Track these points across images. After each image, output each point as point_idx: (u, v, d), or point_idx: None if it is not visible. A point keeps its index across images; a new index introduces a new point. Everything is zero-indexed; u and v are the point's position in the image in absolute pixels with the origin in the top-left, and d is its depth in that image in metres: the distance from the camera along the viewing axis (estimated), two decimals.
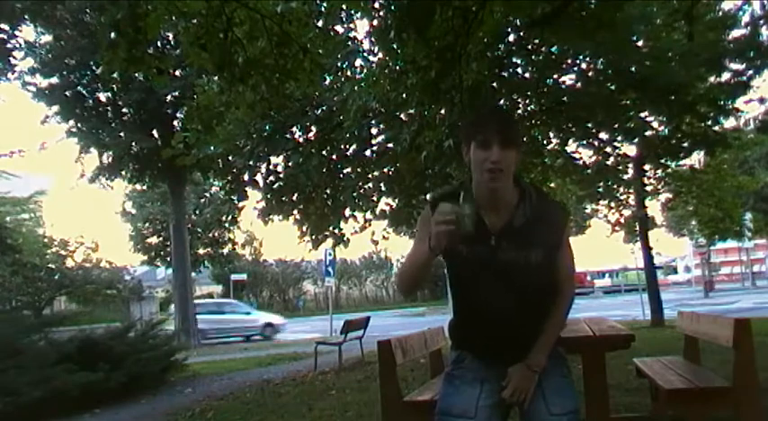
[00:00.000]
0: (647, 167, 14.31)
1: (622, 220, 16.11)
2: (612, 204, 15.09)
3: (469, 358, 2.04)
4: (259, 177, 10.36)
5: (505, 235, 1.93)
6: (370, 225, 10.84)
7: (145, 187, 21.73)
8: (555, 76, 9.22)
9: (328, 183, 10.23)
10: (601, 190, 13.14)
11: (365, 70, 9.09)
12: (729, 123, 12.26)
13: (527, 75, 9.04)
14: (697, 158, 14.34)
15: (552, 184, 13.91)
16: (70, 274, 21.65)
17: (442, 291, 30.76)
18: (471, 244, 1.90)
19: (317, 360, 10.27)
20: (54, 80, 15.83)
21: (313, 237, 10.89)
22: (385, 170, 10.02)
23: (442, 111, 7.45)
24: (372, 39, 8.06)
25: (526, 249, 1.92)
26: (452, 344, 2.14)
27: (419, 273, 1.99)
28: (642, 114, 9.86)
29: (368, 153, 9.94)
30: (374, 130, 9.58)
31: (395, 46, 6.79)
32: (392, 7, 6.11)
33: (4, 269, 17.26)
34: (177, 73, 14.42)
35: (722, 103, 9.59)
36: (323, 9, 7.82)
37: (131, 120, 16.87)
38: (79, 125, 16.26)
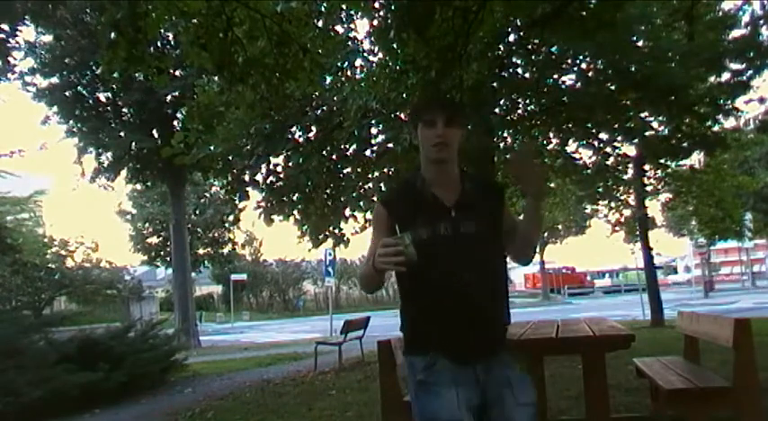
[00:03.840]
0: (647, 167, 14.29)
1: (622, 220, 16.13)
2: (612, 204, 15.11)
3: (440, 361, 2.02)
4: (259, 177, 10.36)
5: (461, 207, 2.07)
6: (370, 225, 10.83)
7: (144, 187, 21.75)
8: (555, 76, 9.21)
9: (328, 183, 10.22)
10: (601, 190, 13.14)
11: (365, 70, 9.09)
12: (729, 123, 12.26)
13: (527, 75, 9.03)
14: (697, 158, 14.32)
15: (552, 184, 13.92)
16: (70, 274, 21.60)
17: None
18: (432, 225, 2.02)
19: (317, 360, 10.26)
20: (54, 80, 15.84)
21: (313, 237, 10.89)
22: (385, 170, 10.02)
23: None
24: (372, 39, 8.06)
25: (480, 220, 2.06)
26: (413, 350, 2.10)
27: (374, 282, 2.07)
28: (642, 114, 9.86)
29: (368, 153, 9.93)
30: (374, 130, 9.57)
31: (395, 46, 6.79)
32: (392, 7, 6.11)
33: (4, 269, 17.23)
34: (177, 73, 14.43)
35: (722, 102, 9.59)
36: (323, 9, 7.82)
37: (131, 120, 16.87)
38: (79, 125, 16.27)
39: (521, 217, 2.18)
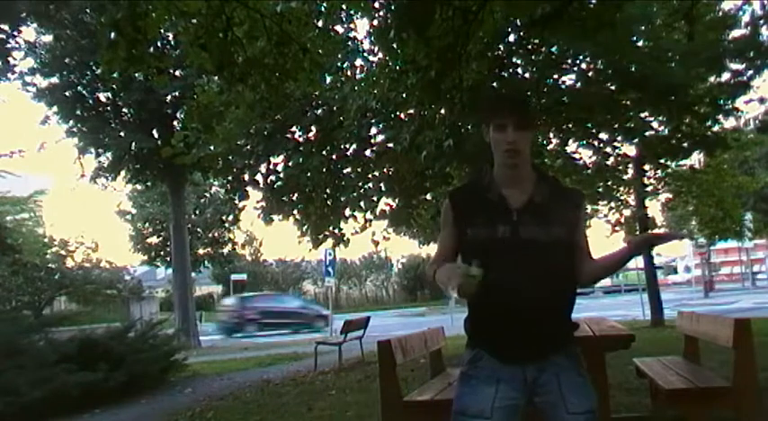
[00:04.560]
0: (647, 167, 14.29)
1: (622, 220, 16.11)
2: (612, 204, 15.10)
3: (486, 357, 2.02)
4: (259, 177, 10.37)
5: (527, 210, 2.02)
6: (370, 225, 10.85)
7: (145, 187, 21.75)
8: (555, 76, 9.21)
9: (328, 183, 10.23)
10: (601, 190, 13.14)
11: (365, 70, 9.10)
12: (729, 123, 12.25)
13: (527, 75, 9.03)
14: (697, 158, 14.31)
15: None
16: (70, 274, 21.61)
17: (442, 291, 30.76)
18: (491, 225, 2.00)
19: (317, 360, 10.26)
20: (54, 80, 15.83)
21: (313, 237, 10.90)
22: (385, 170, 10.02)
23: (442, 111, 7.44)
24: (372, 39, 8.07)
25: (546, 225, 2.00)
26: (468, 342, 2.11)
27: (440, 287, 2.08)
28: (642, 114, 9.85)
29: (368, 153, 9.94)
30: (374, 130, 9.58)
31: (395, 46, 6.78)
32: (392, 7, 6.11)
33: (4, 269, 17.23)
34: (177, 73, 14.43)
35: (722, 102, 9.58)
36: (323, 9, 7.82)
37: (131, 120, 16.86)
38: (79, 125, 16.26)
39: (608, 253, 2.14)
